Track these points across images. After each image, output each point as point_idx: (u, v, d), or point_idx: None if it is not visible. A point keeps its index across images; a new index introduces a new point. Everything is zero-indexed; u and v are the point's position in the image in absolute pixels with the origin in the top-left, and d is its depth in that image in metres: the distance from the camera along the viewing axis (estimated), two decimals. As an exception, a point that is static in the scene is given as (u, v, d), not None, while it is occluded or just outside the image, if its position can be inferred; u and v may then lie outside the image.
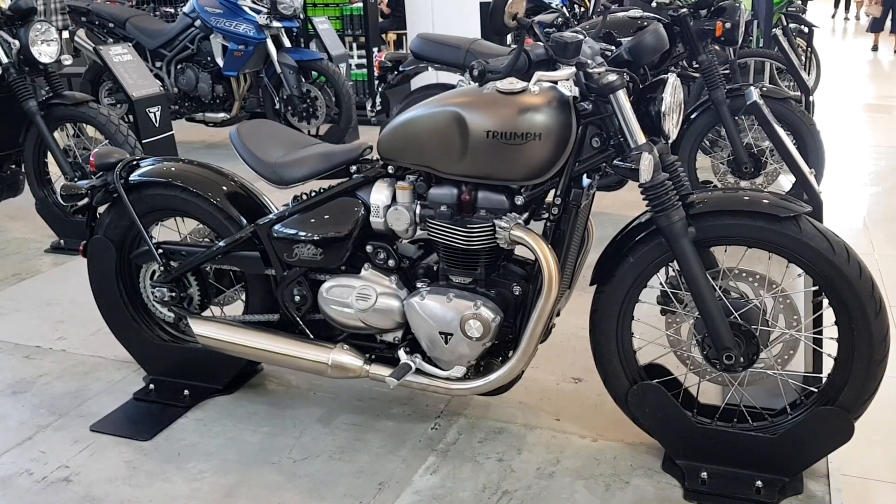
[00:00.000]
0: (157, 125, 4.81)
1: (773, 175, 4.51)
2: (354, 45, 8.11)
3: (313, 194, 2.62)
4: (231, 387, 2.99)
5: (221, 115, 6.58)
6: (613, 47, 2.40)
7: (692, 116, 4.53)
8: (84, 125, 4.53)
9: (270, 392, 3.01)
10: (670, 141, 2.33)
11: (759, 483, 2.35)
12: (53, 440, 2.74)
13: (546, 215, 2.40)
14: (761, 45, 6.13)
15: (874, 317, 2.21)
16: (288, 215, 2.62)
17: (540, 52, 2.23)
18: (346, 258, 2.57)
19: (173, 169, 2.83)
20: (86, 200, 2.88)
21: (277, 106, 6.42)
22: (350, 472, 2.52)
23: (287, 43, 6.36)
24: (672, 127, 2.29)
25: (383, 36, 9.60)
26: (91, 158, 2.88)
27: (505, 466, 2.54)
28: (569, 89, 2.30)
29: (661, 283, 2.48)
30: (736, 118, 4.32)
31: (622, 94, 2.18)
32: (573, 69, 2.20)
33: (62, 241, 4.58)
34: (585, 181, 2.38)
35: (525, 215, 2.39)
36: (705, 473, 2.40)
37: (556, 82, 2.28)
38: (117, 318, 3.05)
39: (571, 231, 2.37)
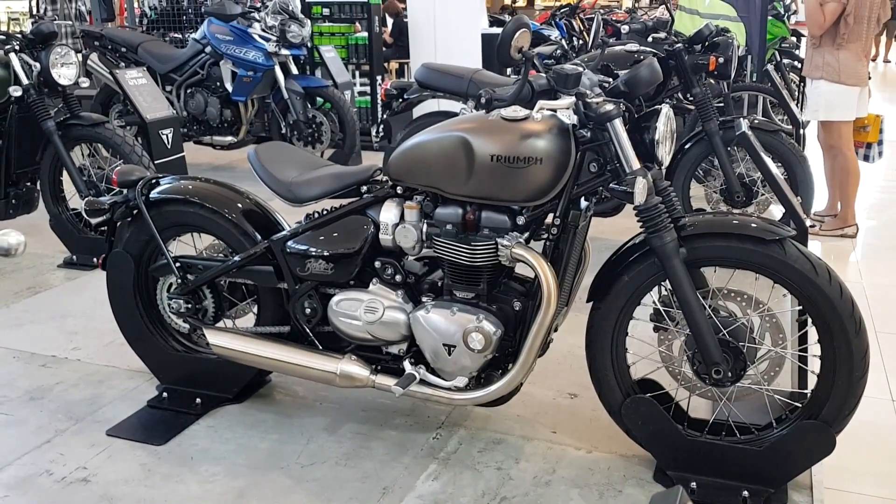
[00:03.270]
0: (168, 147, 4.96)
1: (764, 204, 4.66)
2: (357, 73, 8.31)
3: (325, 213, 2.76)
4: (241, 396, 3.11)
5: (229, 138, 6.74)
6: (611, 79, 2.56)
7: (686, 147, 4.69)
8: (98, 145, 4.67)
9: (279, 402, 3.13)
10: (663, 167, 2.49)
11: (745, 493, 2.48)
12: (71, 443, 2.86)
13: (546, 235, 2.54)
14: (754, 79, 6.31)
15: (854, 335, 2.35)
16: (301, 232, 2.76)
17: (542, 82, 2.38)
18: (355, 273, 2.71)
19: (192, 187, 2.98)
20: (107, 215, 3.02)
21: (284, 130, 6.58)
22: (355, 477, 2.65)
23: (294, 70, 6.54)
24: (665, 154, 2.45)
25: (386, 65, 9.81)
26: (113, 176, 3.02)
27: (503, 474, 2.66)
28: (568, 117, 2.45)
29: (653, 302, 2.62)
30: (728, 149, 4.48)
31: (618, 123, 2.34)
32: (573, 99, 2.35)
33: (74, 257, 4.72)
34: (583, 203, 2.54)
35: (526, 235, 2.54)
36: (694, 483, 2.53)
37: (556, 110, 2.43)
38: (133, 329, 3.18)
39: (569, 250, 2.51)
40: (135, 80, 4.99)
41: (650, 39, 4.54)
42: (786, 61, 8.01)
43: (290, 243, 2.76)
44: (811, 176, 4.56)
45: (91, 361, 3.48)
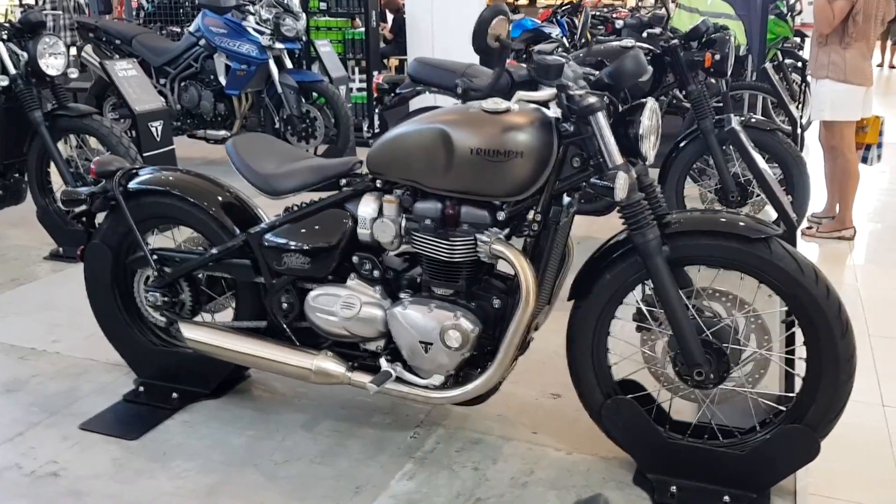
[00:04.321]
0: (158, 139, 4.92)
1: (759, 204, 4.59)
2: (357, 68, 8.25)
3: (304, 206, 2.71)
4: (218, 391, 3.06)
5: (222, 132, 6.69)
6: (596, 71, 2.50)
7: (681, 145, 4.63)
8: (87, 136, 4.63)
9: (256, 398, 3.08)
10: (647, 163, 2.42)
11: (726, 498, 2.42)
12: (44, 437, 2.81)
13: (527, 231, 2.49)
14: (755, 78, 6.25)
15: (840, 337, 2.29)
16: (278, 225, 2.70)
17: (523, 73, 2.33)
18: (333, 268, 2.65)
19: (170, 178, 2.93)
20: (85, 206, 2.97)
21: (277, 125, 6.53)
22: (329, 475, 2.59)
23: (289, 64, 6.49)
24: (649, 149, 2.39)
25: (385, 61, 9.76)
26: (92, 166, 2.98)
27: (480, 475, 2.60)
28: (551, 110, 2.39)
29: (637, 301, 2.56)
30: (724, 148, 4.42)
31: (601, 116, 2.28)
32: (554, 90, 2.30)
33: (61, 249, 4.67)
34: (566, 199, 2.48)
35: (506, 231, 2.48)
36: (675, 487, 2.47)
37: (536, 102, 2.37)
38: (111, 322, 3.13)
39: (550, 247, 2.45)
40: (124, 72, 4.94)
41: (645, 35, 4.45)
42: (788, 61, 7.95)
43: (267, 237, 2.71)
44: (807, 177, 4.50)
45: (70, 354, 3.44)
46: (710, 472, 2.47)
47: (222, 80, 6.49)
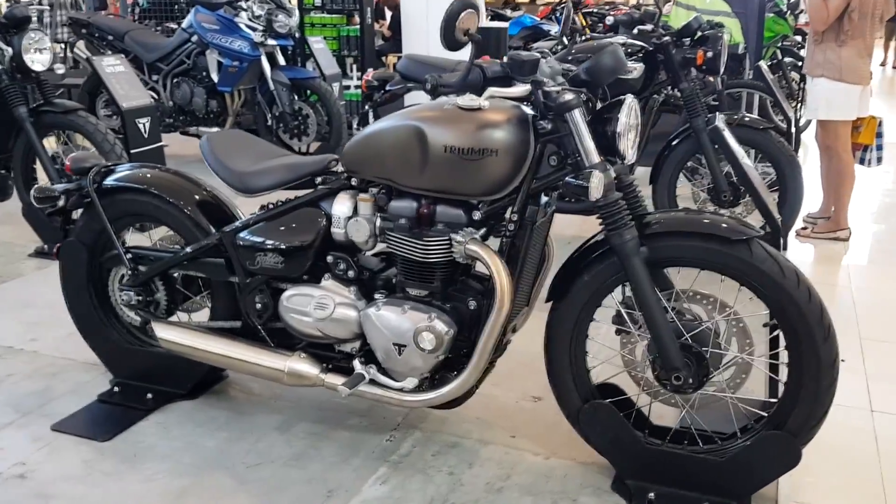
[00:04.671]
0: (146, 136, 4.87)
1: (752, 204, 4.53)
2: (355, 66, 8.18)
3: (279, 204, 2.65)
4: (195, 392, 3.01)
5: (215, 129, 6.64)
6: (574, 67, 2.44)
7: (674, 143, 4.57)
8: (73, 133, 4.58)
9: (233, 398, 3.03)
10: (627, 162, 2.37)
11: (705, 505, 2.36)
12: (14, 438, 2.76)
13: (504, 231, 2.43)
14: (752, 76, 6.18)
15: (822, 342, 2.23)
16: (252, 223, 2.65)
17: (497, 69, 2.27)
18: (307, 268, 2.60)
19: (145, 175, 2.88)
20: (59, 204, 2.91)
21: (270, 122, 6.48)
22: (301, 479, 2.54)
23: (282, 61, 6.44)
24: (627, 147, 2.33)
25: (383, 59, 9.69)
26: (67, 162, 2.93)
27: (455, 480, 2.55)
28: (528, 107, 2.33)
29: (616, 303, 2.50)
30: (716, 146, 4.36)
31: (578, 114, 2.22)
32: (527, 87, 2.24)
33: (46, 246, 4.63)
34: (543, 199, 2.42)
35: (483, 231, 2.42)
36: (653, 494, 2.41)
37: (512, 99, 2.32)
38: (86, 321, 3.08)
39: (527, 248, 2.40)
40: (112, 68, 4.89)
41: (636, 31, 4.39)
42: (787, 60, 7.87)
43: (240, 235, 2.65)
44: (801, 177, 4.43)
45: (48, 353, 3.39)
46: (690, 478, 2.41)
47: (214, 77, 6.44)
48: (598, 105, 2.40)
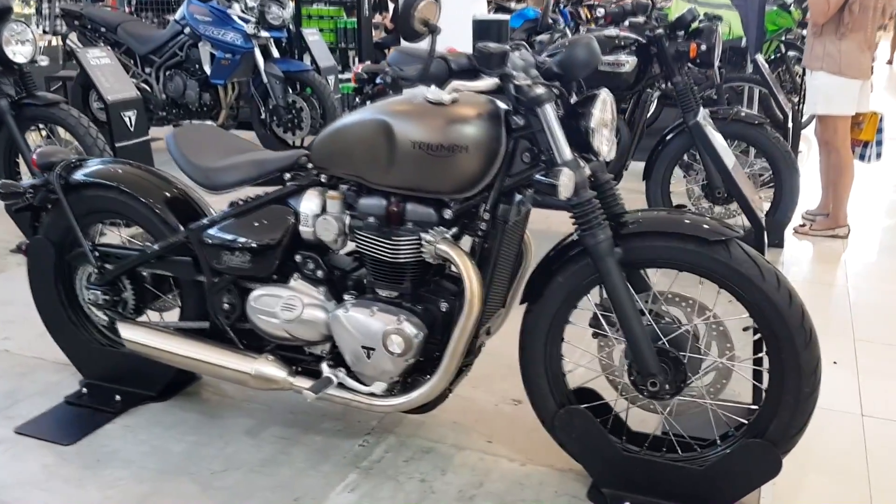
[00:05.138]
0: (132, 129, 4.79)
1: (748, 202, 4.43)
2: (357, 59, 8.08)
3: (246, 201, 2.57)
4: (165, 394, 2.93)
5: (208, 123, 6.55)
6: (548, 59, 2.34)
7: (667, 138, 4.47)
8: (56, 127, 4.51)
9: (205, 401, 2.95)
10: (602, 159, 2.27)
11: (682, 515, 2.28)
12: (-24, 441, 2.70)
13: (477, 231, 2.34)
14: (752, 70, 6.07)
15: (803, 347, 2.14)
16: (219, 221, 2.57)
17: (463, 61, 2.18)
18: (275, 267, 2.52)
19: (113, 171, 2.80)
20: (24, 200, 2.84)
21: (263, 116, 6.40)
22: (268, 486, 2.46)
23: (275, 53, 6.35)
24: (602, 143, 2.23)
25: (386, 51, 9.59)
26: (33, 157, 2.85)
27: (426, 487, 2.47)
28: (502, 102, 2.24)
29: (593, 305, 2.41)
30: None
31: (549, 108, 2.13)
32: (494, 80, 2.15)
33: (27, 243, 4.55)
34: (517, 197, 2.33)
35: (454, 230, 2.33)
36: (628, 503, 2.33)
37: (491, 93, 2.23)
38: (55, 320, 3.01)
39: (499, 248, 2.31)
40: (97, 60, 4.82)
41: (627, 24, 4.29)
42: (791, 53, 7.75)
43: (206, 233, 2.57)
44: (797, 173, 4.34)
45: (19, 353, 3.32)
46: (667, 487, 2.32)
47: (207, 70, 6.37)
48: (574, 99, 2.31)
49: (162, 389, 2.92)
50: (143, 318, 2.92)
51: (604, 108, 2.21)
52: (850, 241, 4.94)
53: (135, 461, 2.58)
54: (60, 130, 4.57)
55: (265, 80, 6.24)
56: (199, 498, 2.40)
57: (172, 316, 2.94)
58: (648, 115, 7.74)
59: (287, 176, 2.52)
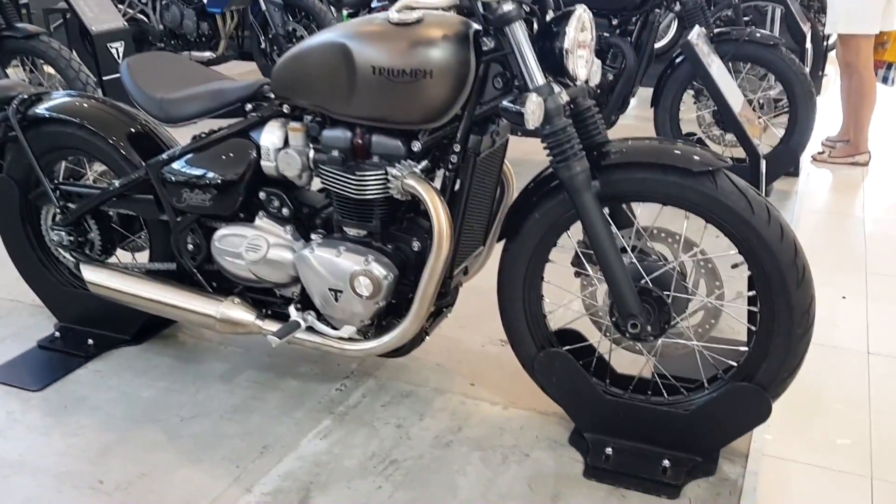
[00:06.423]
0: (119, 62, 4.63)
1: (761, 129, 4.20)
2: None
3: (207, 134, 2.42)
4: (140, 337, 2.84)
5: (207, 53, 6.40)
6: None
7: (676, 62, 4.24)
8: (39, 61, 4.36)
9: (180, 344, 2.86)
10: (580, 83, 2.09)
11: (666, 462, 2.15)
12: (-57, 387, 2.62)
13: (448, 165, 2.18)
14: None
15: (795, 286, 1.98)
16: (178, 156, 2.42)
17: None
18: (238, 205, 2.38)
19: (73, 105, 2.66)
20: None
21: (263, 45, 6.21)
22: (237, 433, 2.37)
23: (274, -22, 6.13)
24: (579, 67, 2.04)
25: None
26: (-8, 92, 2.72)
27: (402, 433, 2.36)
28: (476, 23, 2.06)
29: (574, 243, 2.26)
30: (727, 64, 4.01)
31: (518, 28, 1.94)
32: (454, -2, 1.96)
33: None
34: (490, 127, 2.16)
35: (424, 164, 2.17)
36: (610, 449, 2.20)
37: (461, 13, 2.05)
38: (25, 262, 2.91)
39: (470, 182, 2.15)
40: (81, -11, 4.64)
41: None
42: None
43: (166, 169, 2.43)
44: (813, 98, 4.09)
45: (-4, 295, 3.24)
46: (652, 432, 2.20)
47: (204, -2, 6.17)
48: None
49: (136, 333, 2.83)
50: (113, 260, 2.81)
51: (579, 26, 2.01)
52: (870, 169, 4.71)
53: (102, 408, 2.50)
54: (48, 67, 4.42)
55: (263, 7, 6.02)
56: (163, 447, 2.31)
57: (145, 257, 2.83)
58: (665, 41, 7.45)
59: (249, 107, 2.36)
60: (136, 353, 2.79)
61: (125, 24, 4.88)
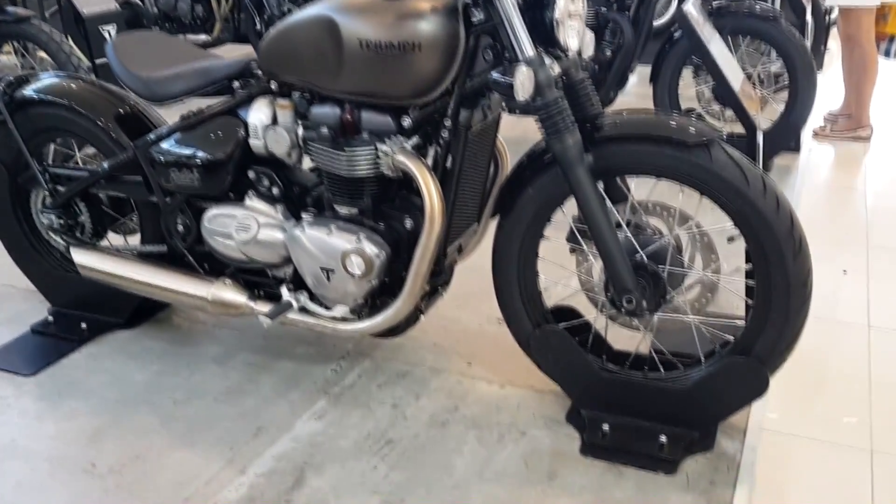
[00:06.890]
0: (112, 45, 4.58)
1: (761, 104, 4.16)
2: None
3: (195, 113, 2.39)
4: (134, 321, 2.82)
5: (202, 36, 6.34)
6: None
7: (675, 37, 4.18)
8: (30, 44, 4.32)
9: (175, 328, 2.83)
10: (571, 54, 2.05)
11: (663, 438, 2.12)
12: (-65, 373, 2.61)
13: (439, 140, 2.14)
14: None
15: (792, 258, 1.94)
16: (166, 136, 2.39)
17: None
18: (227, 185, 2.35)
19: (61, 86, 2.62)
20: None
21: (259, 27, 6.15)
22: (231, 415, 2.35)
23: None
24: (570, 38, 2.00)
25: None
26: (-21, 75, 2.69)
27: (398, 413, 2.34)
28: None
29: (569, 218, 2.22)
30: (725, 38, 3.95)
31: (507, -3, 1.90)
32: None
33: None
34: (482, 101, 2.12)
35: (415, 139, 2.13)
36: (607, 426, 2.18)
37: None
38: (17, 246, 2.89)
39: (462, 157, 2.11)
40: (71, -28, 4.59)
41: None
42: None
43: (153, 149, 2.40)
44: (814, 72, 4.04)
45: (-9, 280, 3.22)
46: (649, 408, 2.17)
47: (197, -20, 6.11)
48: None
49: (129, 316, 2.80)
50: (104, 243, 2.78)
51: (570, -4, 1.97)
52: (872, 144, 4.66)
53: (95, 392, 2.48)
54: (41, 51, 4.38)
55: (258, -12, 5.97)
56: (157, 430, 2.30)
57: (138, 240, 2.80)
58: (665, 19, 7.38)
59: (236, 84, 2.33)
60: (129, 336, 2.77)
61: (117, 6, 4.84)
